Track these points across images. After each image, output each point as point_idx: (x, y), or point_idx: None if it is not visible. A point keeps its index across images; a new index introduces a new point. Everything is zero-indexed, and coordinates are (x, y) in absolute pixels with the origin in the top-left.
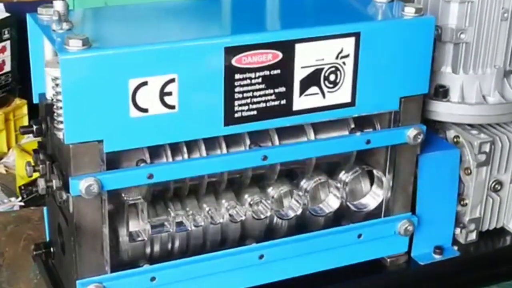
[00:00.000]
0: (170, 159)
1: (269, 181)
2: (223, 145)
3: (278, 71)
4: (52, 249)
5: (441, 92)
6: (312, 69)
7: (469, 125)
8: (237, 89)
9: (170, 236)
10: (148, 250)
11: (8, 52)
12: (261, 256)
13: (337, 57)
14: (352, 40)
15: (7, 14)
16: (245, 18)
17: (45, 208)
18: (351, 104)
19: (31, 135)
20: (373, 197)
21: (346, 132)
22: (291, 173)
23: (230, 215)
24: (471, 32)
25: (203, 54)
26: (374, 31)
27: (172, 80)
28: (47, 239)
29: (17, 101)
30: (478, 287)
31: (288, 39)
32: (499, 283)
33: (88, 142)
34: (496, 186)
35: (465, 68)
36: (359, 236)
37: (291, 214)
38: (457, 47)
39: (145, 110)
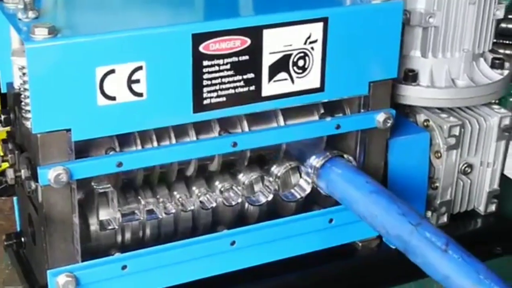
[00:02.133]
0: (140, 147)
1: (240, 168)
2: (193, 132)
3: (247, 57)
4: (23, 239)
5: (411, 76)
6: (281, 54)
7: (439, 108)
8: (205, 76)
9: (141, 224)
10: (119, 238)
11: None
12: (233, 243)
13: (305, 43)
14: (320, 25)
15: None
16: (212, 4)
17: (15, 198)
18: (320, 89)
19: None
20: None
21: (316, 118)
22: (262, 159)
23: (201, 202)
24: (440, 16)
25: (171, 41)
26: (342, 16)
27: (140, 68)
28: (18, 229)
29: None
30: None
31: (256, 25)
32: None
33: (56, 131)
34: (466, 169)
35: (434, 52)
36: (331, 221)
37: (262, 200)
38: (426, 31)
39: (113, 98)
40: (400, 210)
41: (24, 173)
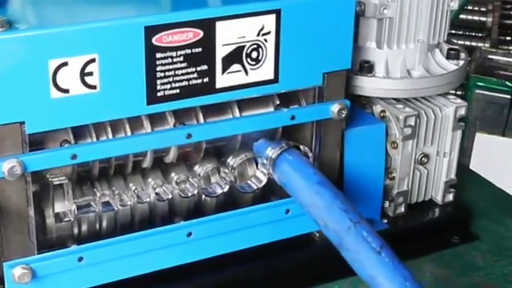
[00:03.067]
0: (95, 139)
1: (196, 159)
2: (148, 124)
3: (200, 49)
4: None
5: (366, 68)
6: (234, 46)
7: (395, 99)
8: (158, 68)
9: (98, 216)
10: (75, 230)
11: None
12: (189, 234)
13: (258, 34)
14: (273, 17)
15: None
16: None
17: None
18: (274, 80)
19: None
20: None
21: (272, 109)
22: (218, 151)
23: (156, 193)
24: (394, 7)
25: (123, 34)
26: (295, 8)
27: (93, 60)
28: None
29: None
30: (407, 259)
31: (209, 17)
32: (428, 254)
33: (10, 124)
34: (423, 159)
35: (389, 43)
36: (287, 211)
37: (219, 191)
38: (380, 22)
39: (66, 91)
40: (342, 206)
41: None
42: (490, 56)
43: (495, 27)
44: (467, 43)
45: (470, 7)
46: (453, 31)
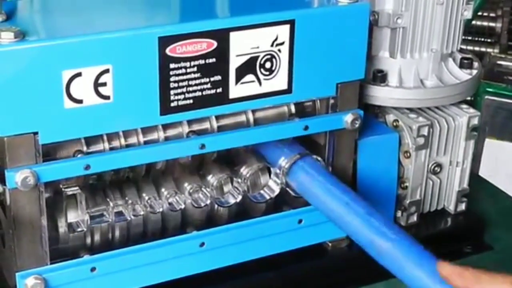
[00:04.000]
0: (108, 149)
1: (209, 169)
2: (161, 134)
3: (214, 60)
4: None
5: (379, 77)
6: (248, 57)
7: (408, 109)
8: (172, 79)
9: (110, 226)
10: (88, 240)
11: None
12: (202, 244)
13: (272, 45)
14: (286, 27)
15: None
16: (179, 7)
17: None
18: (288, 91)
19: None
20: None
21: (285, 119)
22: (231, 160)
23: (169, 203)
24: (408, 17)
25: (137, 45)
26: (309, 18)
27: (107, 71)
28: None
29: None
30: None
31: (223, 27)
32: None
33: (23, 134)
34: (436, 168)
35: (403, 53)
36: (300, 221)
37: (231, 201)
38: (394, 32)
39: (80, 101)
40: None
41: None
42: (499, 62)
43: (504, 32)
44: (476, 48)
45: (479, 13)
46: (463, 37)
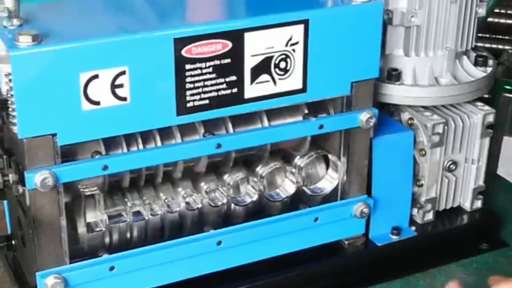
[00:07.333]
0: (125, 150)
1: (225, 168)
2: (178, 135)
3: (229, 60)
4: (13, 242)
5: (394, 76)
6: (262, 57)
7: (423, 107)
8: (188, 79)
9: (128, 225)
10: (107, 240)
11: None
12: (219, 243)
13: (286, 45)
14: (301, 27)
15: None
16: (193, 8)
17: (5, 202)
18: (303, 90)
19: None
20: (329, 181)
21: (300, 118)
22: (247, 160)
23: (187, 203)
24: (422, 15)
25: (153, 46)
26: (323, 18)
27: (123, 73)
28: (9, 232)
29: None
30: (436, 266)
31: (237, 28)
32: (457, 261)
33: (42, 136)
34: (451, 166)
35: (417, 51)
36: (316, 219)
37: (248, 200)
38: (408, 30)
39: (97, 103)
40: None
41: (12, 177)
42: None
43: None
44: (494, 46)
45: (496, 10)
46: (480, 34)
